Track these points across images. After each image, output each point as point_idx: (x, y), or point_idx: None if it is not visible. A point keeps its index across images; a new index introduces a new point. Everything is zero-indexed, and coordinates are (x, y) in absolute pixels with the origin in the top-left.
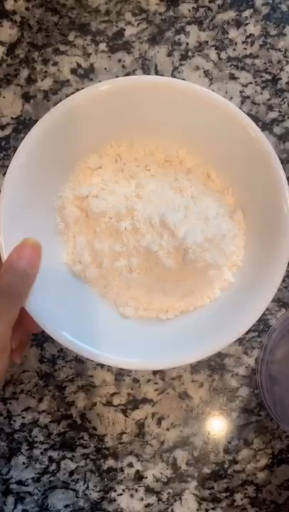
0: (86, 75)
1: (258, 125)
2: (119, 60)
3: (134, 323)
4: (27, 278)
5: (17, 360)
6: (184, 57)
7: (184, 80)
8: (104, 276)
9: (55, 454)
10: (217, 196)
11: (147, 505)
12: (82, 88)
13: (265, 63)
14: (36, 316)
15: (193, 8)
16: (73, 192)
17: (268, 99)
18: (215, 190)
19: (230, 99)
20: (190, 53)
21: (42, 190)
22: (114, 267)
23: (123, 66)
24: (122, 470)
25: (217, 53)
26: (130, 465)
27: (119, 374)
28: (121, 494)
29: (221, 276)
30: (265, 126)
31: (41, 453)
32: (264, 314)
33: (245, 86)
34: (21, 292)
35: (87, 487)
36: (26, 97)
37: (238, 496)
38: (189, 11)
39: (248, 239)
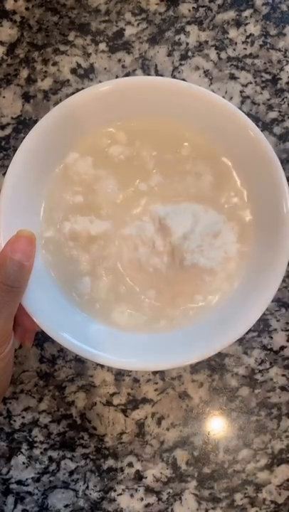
0: (86, 74)
1: (257, 125)
2: (119, 60)
3: (131, 323)
4: (23, 270)
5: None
6: (183, 57)
7: (184, 80)
8: (98, 274)
9: (55, 454)
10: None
11: (147, 505)
12: (82, 88)
13: (265, 63)
14: (35, 317)
15: (193, 8)
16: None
17: (268, 99)
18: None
19: (230, 99)
20: (190, 53)
21: (42, 187)
22: (108, 265)
23: (123, 66)
24: (122, 470)
25: (217, 53)
26: (130, 465)
27: (119, 374)
28: (121, 494)
29: (219, 280)
30: (265, 126)
31: (41, 453)
32: (264, 314)
33: (245, 86)
34: (19, 285)
35: (87, 487)
36: (26, 97)
37: (238, 496)
38: (189, 10)
39: (247, 239)
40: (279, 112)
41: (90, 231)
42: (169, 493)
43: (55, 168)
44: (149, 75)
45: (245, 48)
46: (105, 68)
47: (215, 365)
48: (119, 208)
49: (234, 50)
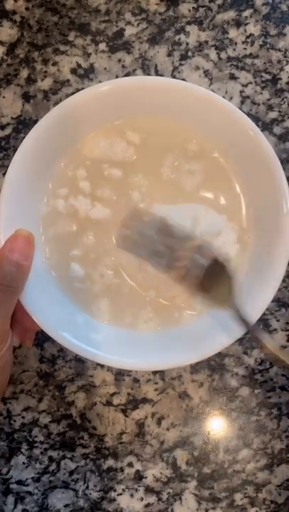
0: (86, 74)
1: (257, 125)
2: (119, 60)
3: (131, 323)
4: (21, 270)
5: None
6: (183, 57)
7: (184, 80)
8: (99, 273)
9: (55, 454)
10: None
11: (147, 505)
12: (82, 88)
13: (265, 63)
14: (35, 316)
15: (193, 8)
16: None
17: (268, 99)
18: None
19: (230, 99)
20: (190, 53)
21: (43, 186)
22: (109, 264)
23: (123, 66)
24: (122, 470)
25: (217, 53)
26: (130, 465)
27: (119, 374)
28: (121, 494)
29: None
30: (265, 126)
31: (41, 453)
32: (264, 314)
33: (245, 86)
34: (16, 285)
35: (87, 487)
36: (26, 97)
37: (237, 496)
38: (189, 10)
39: (247, 239)
40: (279, 112)
41: (89, 213)
42: (169, 493)
43: (56, 167)
44: (149, 74)
45: (245, 48)
46: (105, 68)
47: (215, 365)
48: (119, 207)
49: (234, 50)
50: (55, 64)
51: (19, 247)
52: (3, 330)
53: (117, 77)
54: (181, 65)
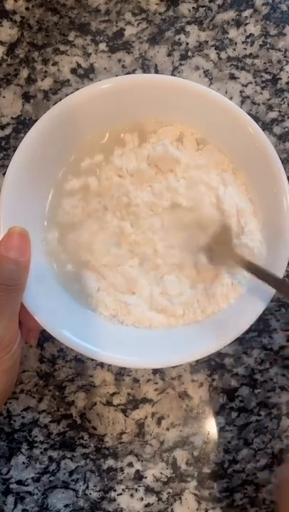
0: (86, 74)
1: (257, 125)
2: (119, 60)
3: (132, 321)
4: (20, 267)
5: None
6: (183, 57)
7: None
8: (100, 271)
9: (55, 454)
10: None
11: (147, 505)
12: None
13: (265, 63)
14: (36, 315)
15: (193, 8)
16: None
17: (268, 99)
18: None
19: (231, 99)
20: (190, 53)
21: (42, 185)
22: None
23: (123, 66)
24: (121, 470)
25: (217, 53)
26: (130, 465)
27: (119, 374)
28: (121, 494)
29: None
30: (265, 126)
31: (41, 453)
32: (264, 314)
33: (245, 86)
34: (17, 283)
35: (87, 487)
36: (26, 97)
37: (237, 496)
38: (189, 10)
39: None
40: (279, 111)
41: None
42: (169, 493)
43: (56, 166)
44: None
45: (245, 48)
46: (105, 68)
47: (215, 364)
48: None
49: (234, 50)
50: (55, 64)
51: (15, 245)
52: (12, 329)
53: (117, 76)
54: (181, 65)
